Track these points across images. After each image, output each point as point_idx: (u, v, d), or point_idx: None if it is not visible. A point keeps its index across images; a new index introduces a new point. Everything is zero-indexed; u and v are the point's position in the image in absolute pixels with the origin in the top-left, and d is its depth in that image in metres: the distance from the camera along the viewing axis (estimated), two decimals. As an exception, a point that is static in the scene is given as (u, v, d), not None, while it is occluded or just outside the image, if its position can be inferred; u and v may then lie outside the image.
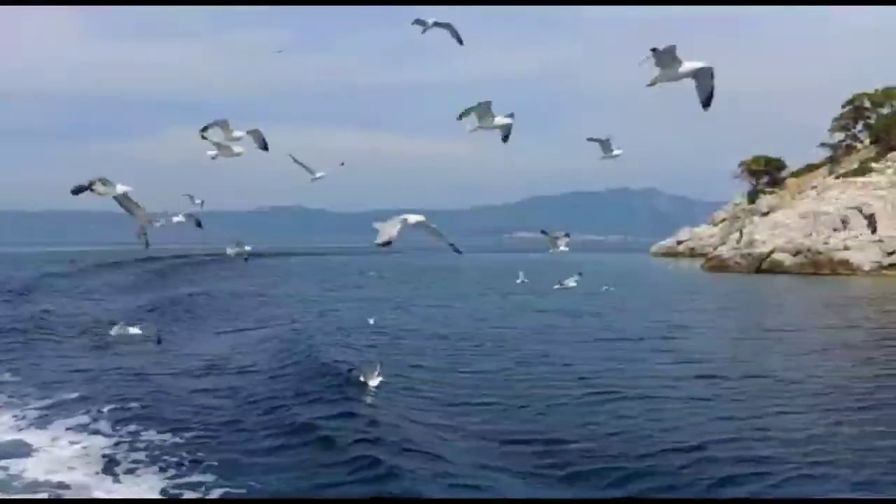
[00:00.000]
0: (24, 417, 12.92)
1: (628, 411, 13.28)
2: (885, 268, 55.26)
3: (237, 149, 10.09)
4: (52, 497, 9.46)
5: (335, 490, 9.44)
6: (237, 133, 9.93)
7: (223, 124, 9.85)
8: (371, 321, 22.92)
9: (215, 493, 9.40)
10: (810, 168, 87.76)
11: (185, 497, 9.34)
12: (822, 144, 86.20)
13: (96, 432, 11.87)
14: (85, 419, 12.55)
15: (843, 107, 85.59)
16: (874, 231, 54.28)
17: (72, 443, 11.45)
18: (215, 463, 10.31)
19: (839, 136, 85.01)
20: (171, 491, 9.51)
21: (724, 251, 63.71)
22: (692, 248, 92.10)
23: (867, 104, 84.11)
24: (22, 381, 15.76)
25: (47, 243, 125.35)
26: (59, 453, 10.96)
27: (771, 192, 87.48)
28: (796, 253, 57.93)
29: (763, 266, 58.34)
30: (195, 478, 9.85)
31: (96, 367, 17.17)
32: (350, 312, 28.39)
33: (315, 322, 25.25)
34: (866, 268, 54.63)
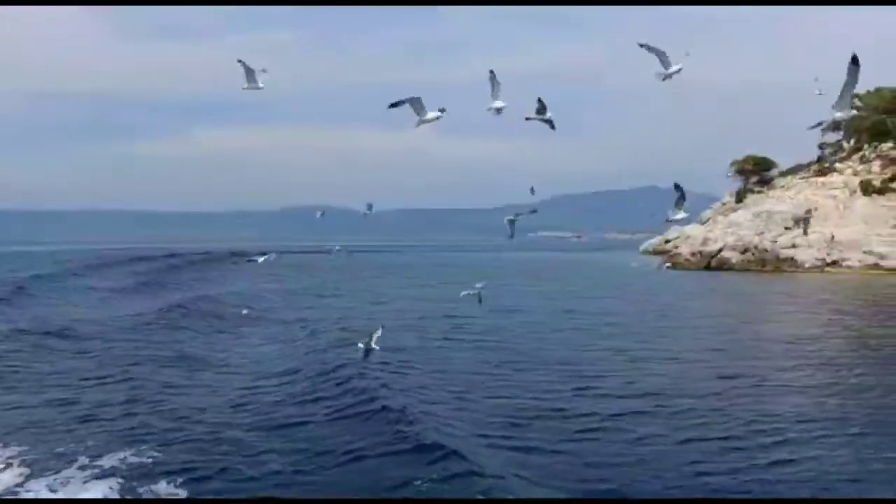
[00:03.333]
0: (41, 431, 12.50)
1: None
2: (828, 265, 59.23)
3: (431, 115, 11.11)
4: (51, 497, 9.60)
5: (340, 491, 9.74)
6: (431, 115, 11.08)
7: (417, 105, 10.98)
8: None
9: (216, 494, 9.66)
10: (798, 168, 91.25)
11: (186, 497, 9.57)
12: (822, 144, 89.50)
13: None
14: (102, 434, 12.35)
15: (833, 107, 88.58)
16: (805, 233, 58.21)
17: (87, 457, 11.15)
18: (228, 466, 10.69)
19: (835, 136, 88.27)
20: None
21: (683, 249, 68.03)
22: (677, 246, 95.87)
23: (859, 104, 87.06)
24: (28, 395, 15.13)
25: (76, 241, 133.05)
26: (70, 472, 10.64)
27: (759, 192, 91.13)
28: (744, 251, 62.08)
29: (712, 263, 62.59)
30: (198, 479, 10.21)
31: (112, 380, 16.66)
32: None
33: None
34: (807, 265, 58.67)
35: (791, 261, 59.84)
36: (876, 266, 57.60)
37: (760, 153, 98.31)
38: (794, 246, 60.98)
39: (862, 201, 63.73)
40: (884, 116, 71.64)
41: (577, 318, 28.38)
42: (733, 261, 61.89)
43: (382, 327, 16.40)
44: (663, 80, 10.90)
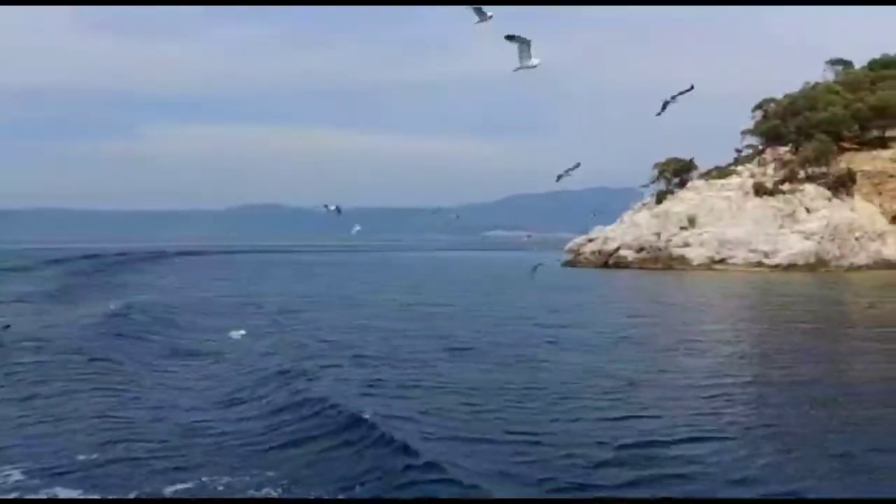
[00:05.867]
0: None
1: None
2: (717, 262, 63.85)
3: (535, 61, 11.82)
4: (52, 497, 9.58)
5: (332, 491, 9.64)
6: (535, 60, 11.83)
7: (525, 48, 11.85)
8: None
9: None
10: (717, 170, 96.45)
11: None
12: (742, 147, 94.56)
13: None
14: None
15: (752, 111, 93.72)
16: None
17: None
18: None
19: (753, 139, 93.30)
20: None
21: (587, 248, 72.23)
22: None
23: (773, 109, 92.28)
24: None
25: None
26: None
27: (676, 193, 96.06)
28: (640, 249, 66.51)
29: (610, 262, 66.88)
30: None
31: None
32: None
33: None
34: (696, 263, 63.27)
35: (682, 258, 64.35)
36: (760, 264, 62.39)
37: (708, 155, 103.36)
38: (686, 245, 65.53)
39: (753, 202, 68.55)
40: (777, 122, 76.79)
41: (418, 309, 31.79)
42: (629, 259, 66.30)
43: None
44: (515, 70, 12.10)
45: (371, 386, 16.08)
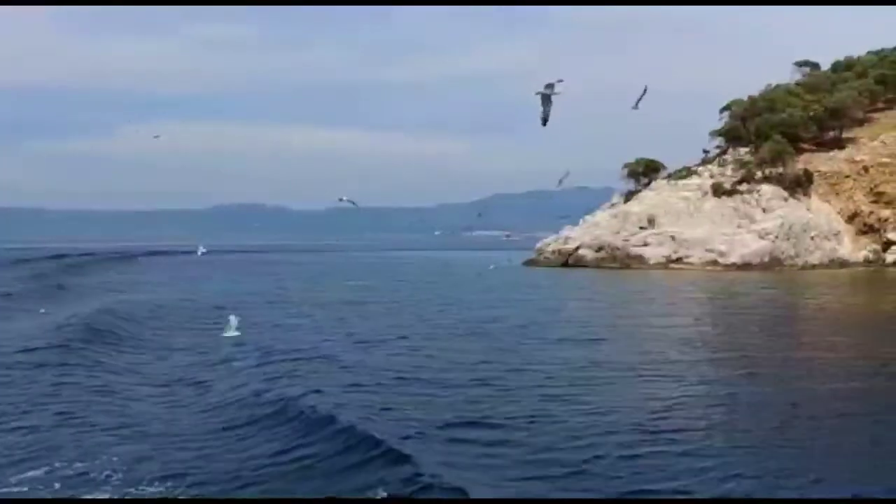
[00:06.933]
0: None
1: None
2: (673, 262, 65.54)
3: (558, 89, 13.80)
4: (52, 497, 9.80)
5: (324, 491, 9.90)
6: (558, 89, 13.91)
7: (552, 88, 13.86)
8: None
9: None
10: (685, 170, 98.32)
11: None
12: (715, 147, 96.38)
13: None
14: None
15: (720, 112, 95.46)
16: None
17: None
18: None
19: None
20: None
21: (549, 248, 73.78)
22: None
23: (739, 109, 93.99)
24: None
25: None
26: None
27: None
28: (599, 249, 68.18)
29: (569, 261, 68.50)
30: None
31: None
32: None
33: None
34: (652, 262, 64.97)
35: (640, 258, 66.03)
36: (715, 263, 64.14)
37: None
38: (644, 244, 67.21)
39: (711, 202, 70.34)
40: (738, 123, 78.60)
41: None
42: (588, 258, 67.95)
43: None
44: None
45: (270, 380, 17.39)
